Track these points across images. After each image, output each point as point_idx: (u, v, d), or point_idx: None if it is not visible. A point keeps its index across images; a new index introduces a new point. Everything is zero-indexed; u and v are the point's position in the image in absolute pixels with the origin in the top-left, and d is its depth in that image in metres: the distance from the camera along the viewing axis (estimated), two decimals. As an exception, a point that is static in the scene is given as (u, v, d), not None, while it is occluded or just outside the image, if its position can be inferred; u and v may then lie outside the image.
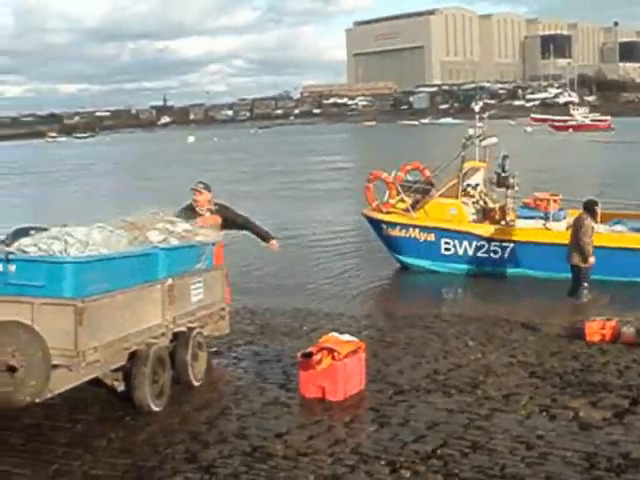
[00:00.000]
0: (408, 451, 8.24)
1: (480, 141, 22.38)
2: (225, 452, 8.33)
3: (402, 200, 22.64)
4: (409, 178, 23.78)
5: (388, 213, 22.70)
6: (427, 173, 23.68)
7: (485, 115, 23.99)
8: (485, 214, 21.88)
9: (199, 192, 12.39)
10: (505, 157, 21.63)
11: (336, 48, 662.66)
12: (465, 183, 22.13)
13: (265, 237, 12.94)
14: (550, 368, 11.39)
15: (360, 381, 10.32)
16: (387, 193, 23.05)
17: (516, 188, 21.56)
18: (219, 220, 12.29)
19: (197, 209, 12.30)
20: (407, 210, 22.34)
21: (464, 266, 21.55)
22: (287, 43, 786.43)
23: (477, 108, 24.82)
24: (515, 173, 21.64)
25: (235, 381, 11.10)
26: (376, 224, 23.14)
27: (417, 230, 21.98)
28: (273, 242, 12.89)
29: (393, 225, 22.44)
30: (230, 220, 12.58)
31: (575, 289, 17.54)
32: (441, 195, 22.11)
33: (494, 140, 22.67)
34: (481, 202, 22.10)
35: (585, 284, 17.38)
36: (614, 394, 10.07)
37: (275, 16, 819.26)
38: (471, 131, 22.82)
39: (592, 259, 17.19)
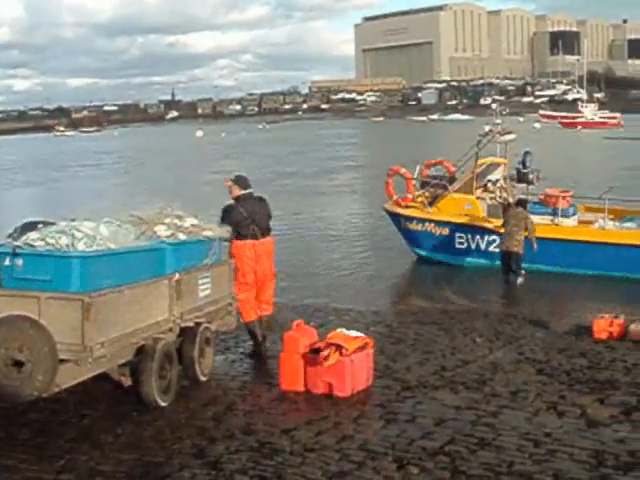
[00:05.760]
0: (415, 448, 8.22)
1: (500, 136, 22.50)
2: (232, 448, 8.32)
3: (421, 195, 22.92)
4: (434, 172, 24.14)
5: (406, 207, 23.03)
6: (451, 169, 23.93)
7: (505, 112, 24.17)
8: (504, 210, 21.94)
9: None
10: (527, 153, 21.83)
11: (345, 43, 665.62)
12: (486, 179, 22.29)
13: None
14: (558, 365, 11.35)
15: (367, 377, 10.30)
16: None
17: (536, 184, 21.69)
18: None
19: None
20: (424, 205, 22.62)
21: (477, 260, 21.68)
22: (296, 38, 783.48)
23: (494, 105, 25.03)
24: (536, 169, 21.77)
25: (242, 377, 11.09)
26: (395, 218, 23.60)
27: (432, 224, 22.29)
28: None
29: (410, 219, 22.78)
30: None
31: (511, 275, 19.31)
32: (456, 190, 22.29)
33: (512, 136, 22.76)
34: (499, 198, 22.15)
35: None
36: (622, 391, 10.05)
37: (285, 11, 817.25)
38: (487, 127, 22.91)
39: None
